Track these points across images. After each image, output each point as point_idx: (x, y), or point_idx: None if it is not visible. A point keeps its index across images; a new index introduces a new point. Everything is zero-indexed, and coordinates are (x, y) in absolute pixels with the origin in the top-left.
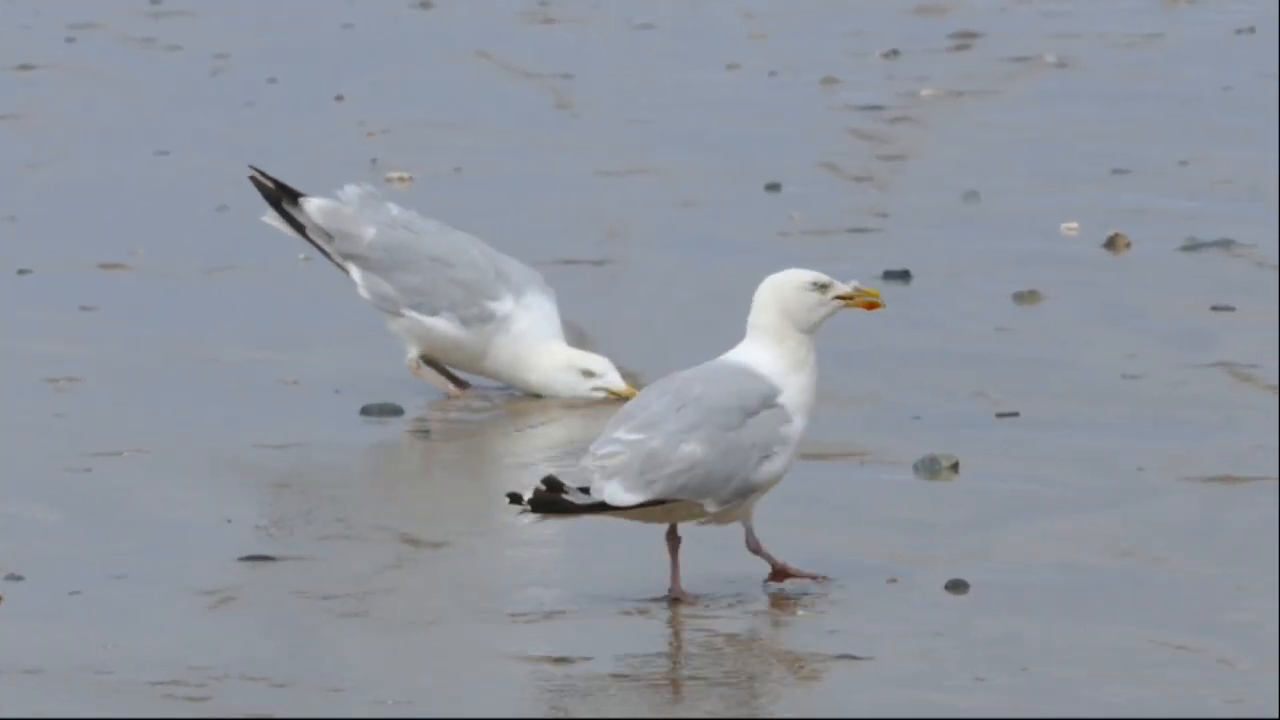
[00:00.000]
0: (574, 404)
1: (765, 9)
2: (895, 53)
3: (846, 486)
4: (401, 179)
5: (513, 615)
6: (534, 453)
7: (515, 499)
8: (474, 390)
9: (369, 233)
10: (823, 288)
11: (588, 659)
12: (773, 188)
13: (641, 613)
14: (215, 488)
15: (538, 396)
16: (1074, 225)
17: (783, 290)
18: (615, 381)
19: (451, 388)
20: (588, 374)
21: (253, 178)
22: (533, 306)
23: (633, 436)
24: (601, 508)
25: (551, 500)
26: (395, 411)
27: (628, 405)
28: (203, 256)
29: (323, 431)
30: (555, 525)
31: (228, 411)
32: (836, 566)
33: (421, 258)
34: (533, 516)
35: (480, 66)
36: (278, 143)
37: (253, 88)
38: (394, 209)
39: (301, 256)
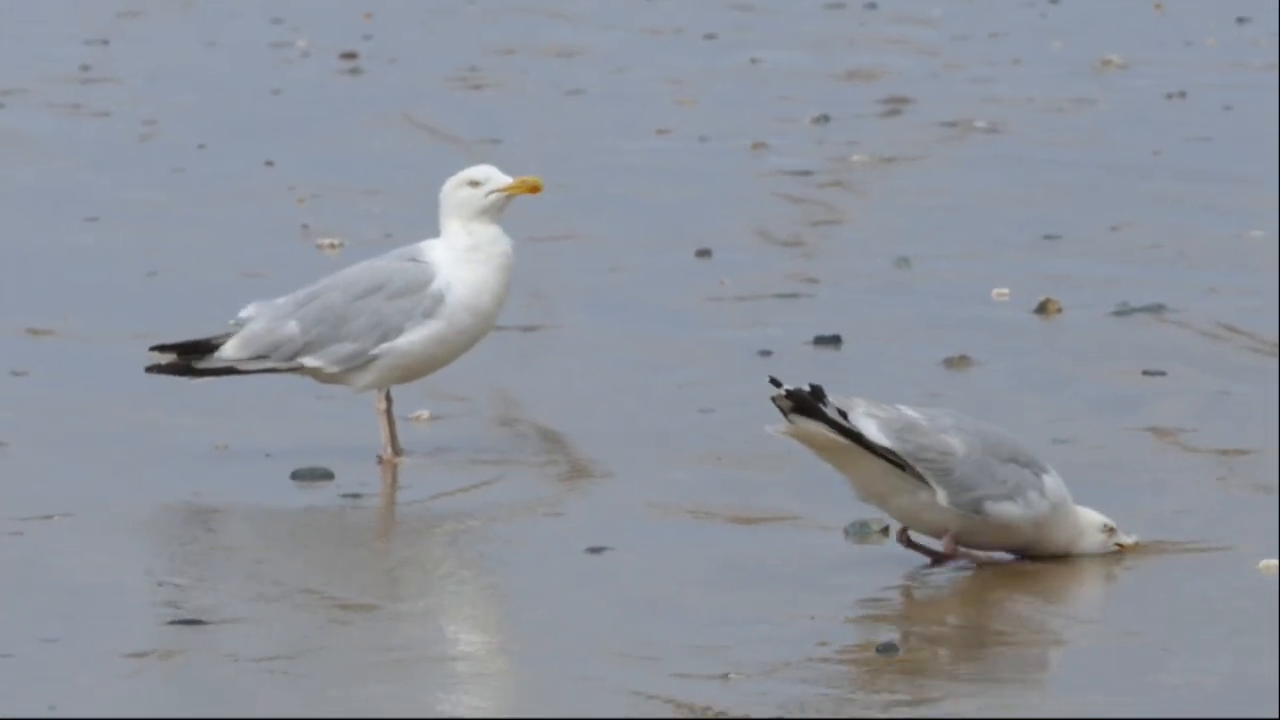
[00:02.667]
0: (509, 468)
1: (694, 75)
2: (825, 118)
3: (777, 550)
4: (332, 245)
5: (443, 677)
6: (466, 517)
7: (777, 383)
8: (405, 455)
9: (292, 328)
10: (1110, 530)
11: None
12: (703, 253)
13: (583, 670)
14: (145, 552)
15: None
16: (1005, 291)
17: (1078, 520)
18: (500, 180)
19: (389, 451)
20: (473, 184)
21: (153, 366)
22: (453, 249)
23: (909, 412)
24: (853, 435)
25: (807, 401)
26: (326, 476)
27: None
28: (132, 322)
29: (253, 496)
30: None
31: (158, 476)
32: (765, 630)
33: (349, 304)
34: (781, 421)
35: (408, 132)
36: (208, 209)
37: (182, 154)
38: (282, 299)
39: (231, 322)
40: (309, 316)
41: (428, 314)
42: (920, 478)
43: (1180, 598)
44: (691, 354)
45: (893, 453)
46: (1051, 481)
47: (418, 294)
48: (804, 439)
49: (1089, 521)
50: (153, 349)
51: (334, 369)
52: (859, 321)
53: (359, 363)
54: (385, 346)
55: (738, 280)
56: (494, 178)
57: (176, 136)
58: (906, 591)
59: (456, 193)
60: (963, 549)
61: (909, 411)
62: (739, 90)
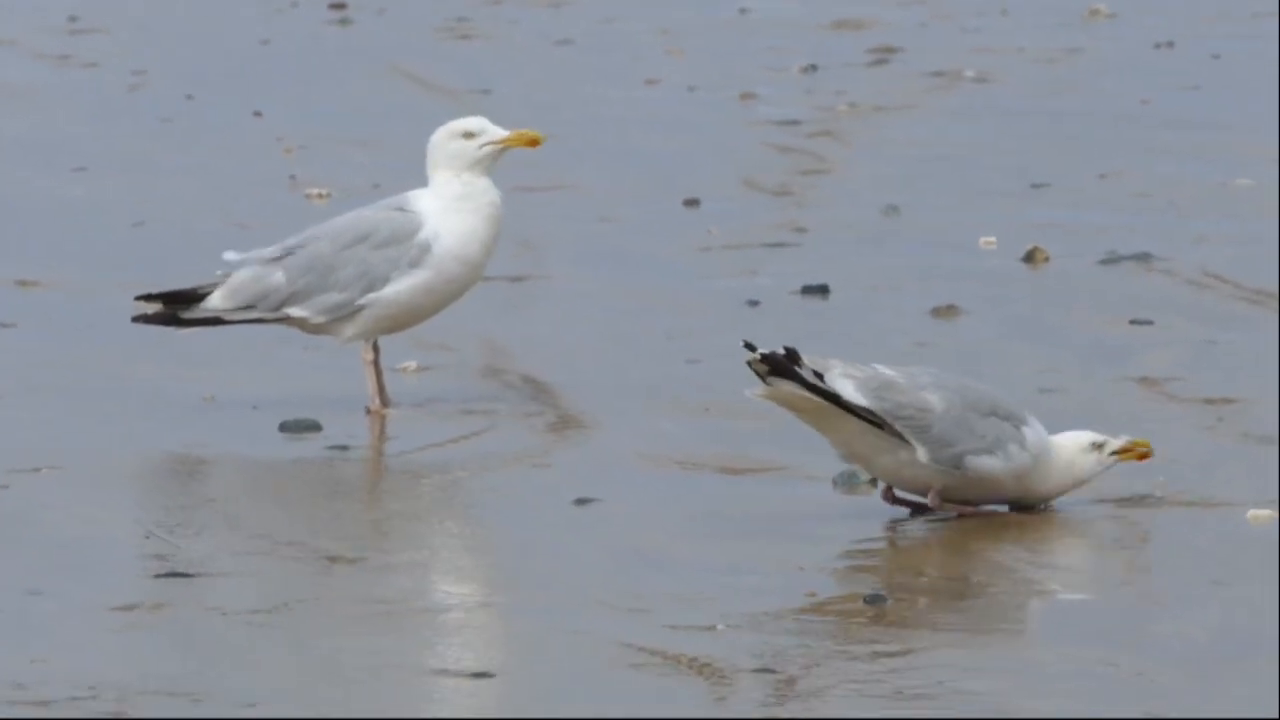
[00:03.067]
0: (497, 419)
1: (683, 25)
2: (813, 68)
3: (766, 500)
4: (320, 195)
5: (430, 630)
6: (454, 468)
7: (751, 347)
8: (392, 406)
9: (279, 277)
10: (1099, 447)
11: (508, 673)
12: (691, 203)
13: (571, 622)
14: (133, 504)
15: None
16: (992, 239)
17: (1061, 449)
18: (496, 132)
19: (376, 403)
20: (468, 135)
21: (139, 316)
22: (440, 198)
23: (886, 371)
24: (830, 396)
25: (783, 364)
26: (314, 427)
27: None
28: (120, 272)
29: (241, 447)
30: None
31: (145, 428)
32: (753, 581)
33: (336, 254)
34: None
35: (397, 82)
36: (196, 160)
37: (170, 104)
38: (270, 248)
39: (219, 273)
40: (296, 266)
41: (414, 263)
42: (900, 436)
43: (1168, 548)
44: (680, 304)
45: (871, 412)
46: (1032, 433)
47: (405, 243)
48: (782, 401)
49: (1074, 449)
50: (138, 298)
51: (320, 319)
52: (847, 271)
53: (345, 313)
54: (372, 296)
55: (726, 230)
56: (489, 130)
57: (165, 87)
58: (894, 543)
59: (449, 144)
60: (949, 503)
61: (886, 370)
62: (727, 40)
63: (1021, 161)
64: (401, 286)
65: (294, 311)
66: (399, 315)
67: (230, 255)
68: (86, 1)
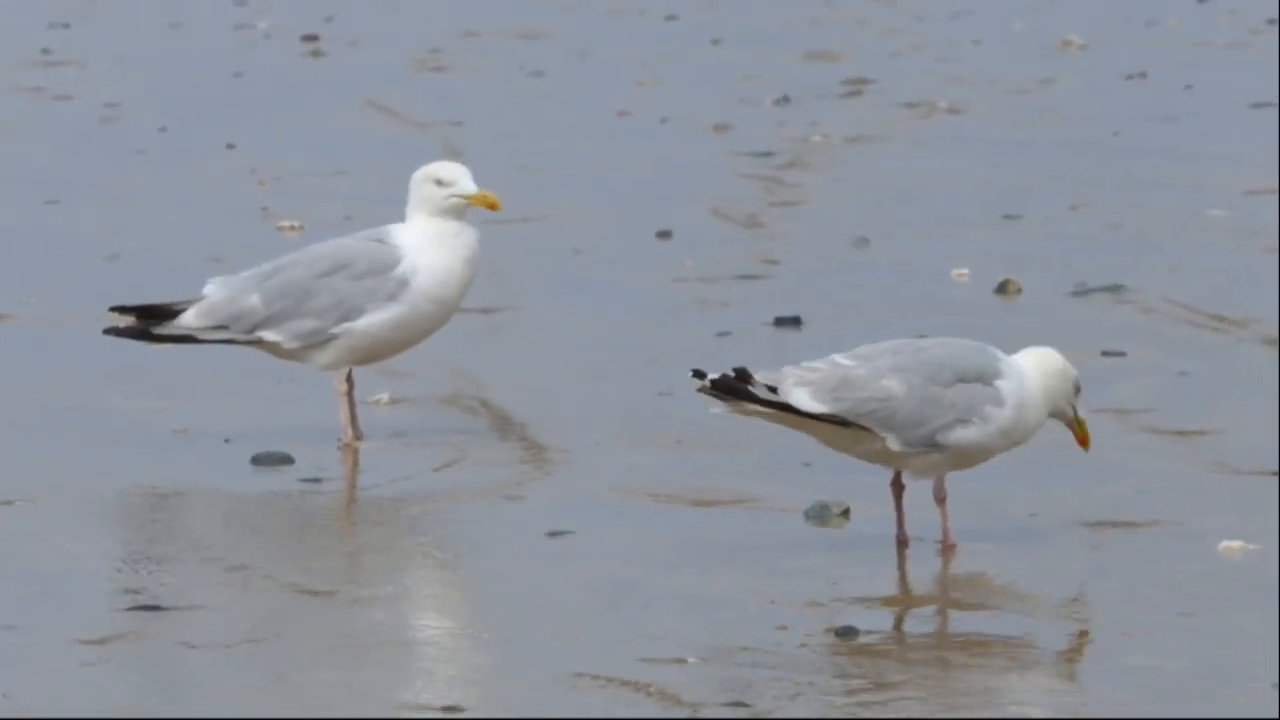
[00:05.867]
0: (470, 452)
1: (656, 56)
2: (787, 99)
3: (737, 532)
4: (292, 227)
5: (402, 663)
6: (426, 501)
7: (699, 374)
8: (364, 439)
9: (255, 300)
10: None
11: (478, 706)
12: (664, 235)
13: (543, 655)
14: (105, 537)
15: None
16: (965, 271)
17: (1047, 380)
18: (466, 186)
19: (349, 435)
20: (439, 183)
21: (111, 328)
22: (424, 233)
23: (845, 361)
24: (783, 408)
25: (734, 386)
26: (286, 460)
27: (862, 347)
28: (93, 305)
29: (213, 480)
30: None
31: (118, 460)
32: (725, 613)
33: (313, 281)
34: (720, 404)
35: (370, 115)
36: (169, 192)
37: (144, 136)
38: (249, 271)
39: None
40: (272, 290)
41: (390, 297)
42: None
43: (1141, 579)
44: (652, 335)
45: (831, 415)
46: (1007, 384)
47: (382, 276)
48: (746, 414)
49: (1048, 370)
50: (113, 309)
51: (293, 345)
52: (819, 302)
53: (318, 340)
54: (345, 326)
55: (698, 261)
56: (460, 182)
57: (138, 119)
58: (866, 575)
59: (422, 187)
60: (943, 510)
61: (844, 361)
62: (700, 71)
63: (994, 193)
64: (376, 319)
65: (267, 335)
66: (371, 347)
67: (209, 288)
68: (60, 34)
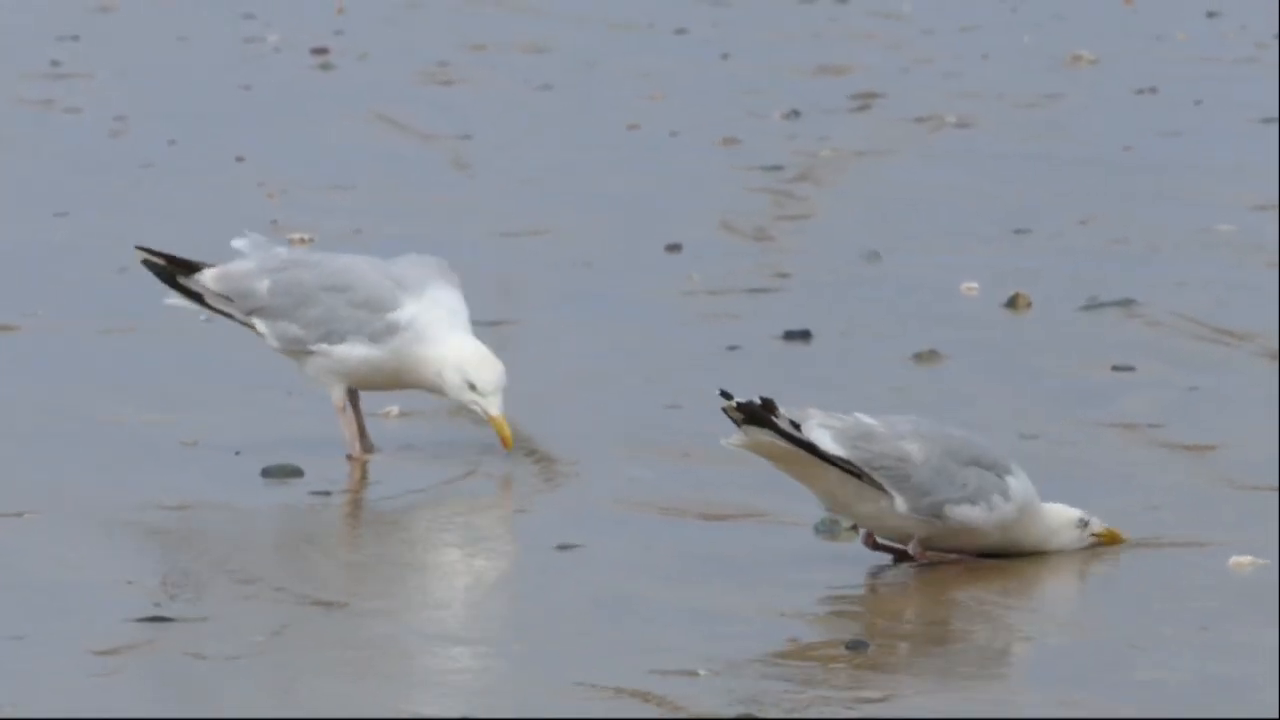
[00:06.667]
0: (478, 465)
1: (664, 69)
2: (796, 113)
3: (746, 546)
4: (302, 240)
5: (411, 675)
6: (435, 514)
7: (727, 395)
8: (375, 453)
9: (264, 285)
10: (1084, 524)
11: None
12: (673, 248)
13: (553, 667)
14: (115, 549)
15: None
16: (974, 285)
17: (1043, 516)
18: (493, 405)
19: (357, 448)
20: (471, 386)
21: (144, 261)
22: (438, 302)
23: (866, 419)
24: (807, 446)
25: (759, 414)
26: (296, 473)
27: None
28: (102, 317)
29: (223, 493)
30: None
31: (128, 473)
32: (735, 626)
33: (317, 290)
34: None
35: (379, 127)
36: (178, 204)
37: (152, 149)
38: (283, 251)
39: (203, 318)
40: (279, 283)
41: (373, 337)
42: (878, 485)
43: (1149, 594)
44: (660, 349)
45: (848, 461)
46: (1016, 483)
47: (375, 313)
48: (758, 450)
49: (1061, 520)
50: (140, 248)
51: (274, 344)
52: (828, 316)
53: (298, 349)
54: (324, 347)
55: (707, 275)
56: (488, 397)
57: (147, 132)
58: (875, 588)
59: (454, 375)
60: (930, 552)
61: (866, 419)
62: (709, 85)
63: (1003, 207)
64: (353, 352)
65: (257, 324)
66: (348, 375)
67: (239, 242)
68: (69, 47)
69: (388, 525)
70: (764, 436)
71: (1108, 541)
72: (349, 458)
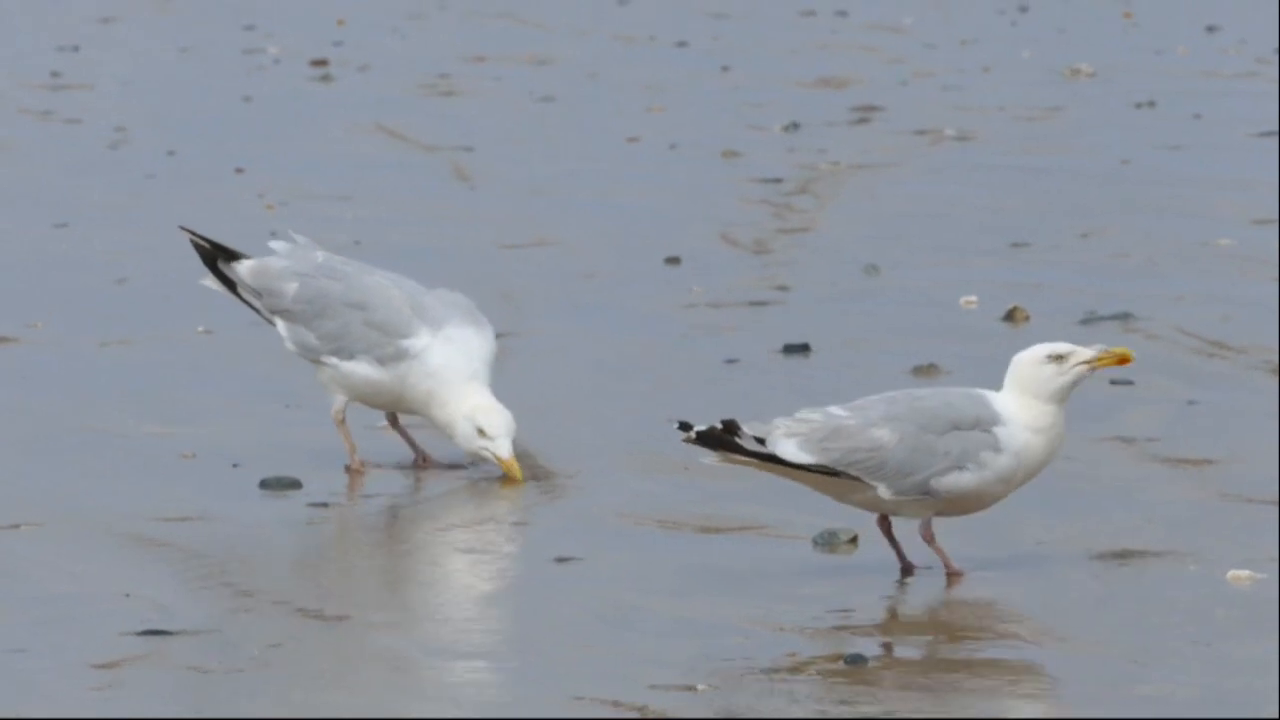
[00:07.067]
0: (478, 477)
1: (665, 81)
2: (796, 125)
3: (746, 559)
4: None
5: (411, 687)
6: (434, 526)
7: (685, 427)
8: (373, 464)
9: (291, 288)
10: (1059, 358)
11: None
12: (673, 261)
13: (553, 680)
14: (114, 561)
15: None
16: (973, 299)
17: (1018, 367)
18: (502, 448)
19: (355, 459)
20: (481, 432)
21: (193, 242)
22: (453, 339)
23: (838, 412)
24: (770, 459)
25: (720, 438)
26: (294, 485)
27: (860, 399)
28: (101, 329)
29: (222, 505)
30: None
31: (126, 485)
32: (734, 640)
33: (338, 304)
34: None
35: (380, 139)
36: (178, 215)
37: (152, 160)
38: (319, 256)
39: (200, 329)
40: (307, 290)
41: (382, 360)
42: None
43: (1150, 608)
44: (660, 361)
45: (819, 465)
46: (1006, 432)
47: (387, 337)
48: (736, 464)
49: (1031, 365)
50: (185, 229)
51: (290, 347)
52: (828, 329)
53: (310, 357)
54: (333, 360)
55: (707, 287)
56: (497, 440)
57: (147, 143)
58: (875, 602)
59: (464, 426)
60: (937, 544)
61: (837, 412)
62: (710, 98)
63: (1002, 220)
64: (359, 369)
65: (279, 325)
66: (352, 391)
67: (278, 245)
68: (69, 58)
69: (386, 537)
70: (735, 457)
71: (1114, 361)
72: (348, 469)
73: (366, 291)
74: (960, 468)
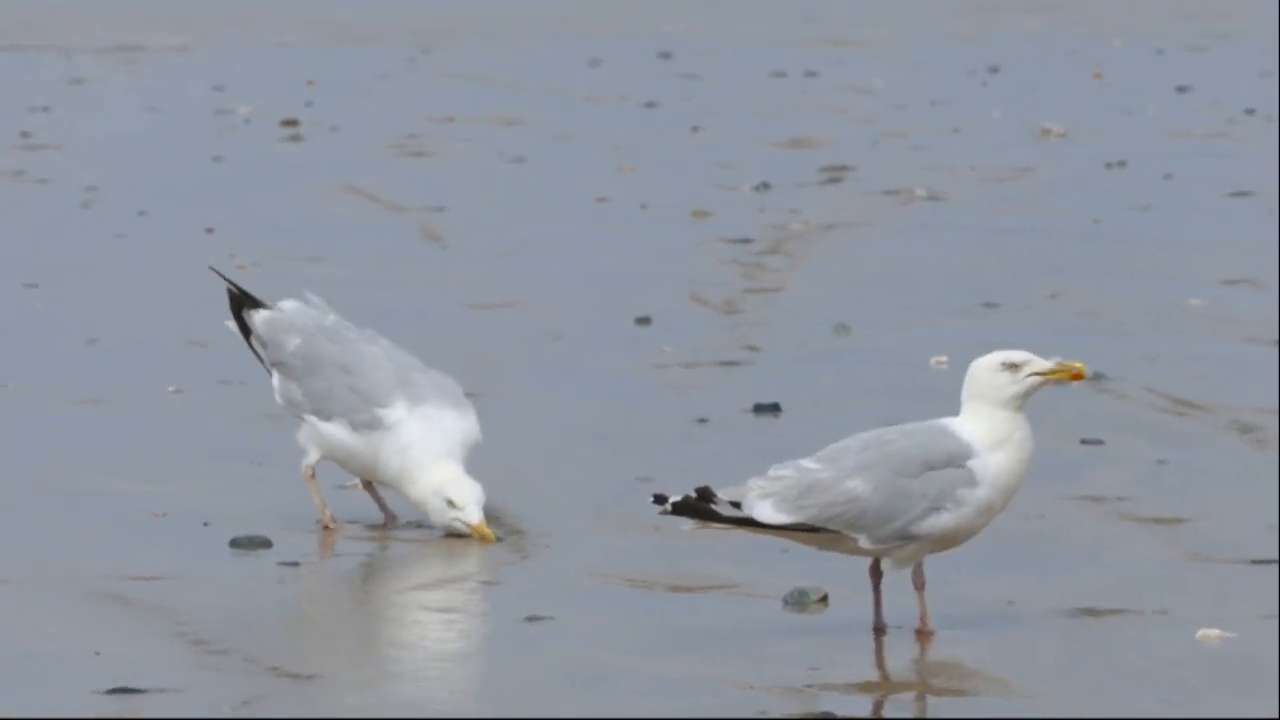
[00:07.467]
0: (449, 536)
1: (635, 142)
2: (766, 185)
3: (716, 618)
4: None
5: None
6: (405, 585)
7: (660, 500)
8: (344, 523)
9: (293, 342)
10: (1014, 367)
11: None
12: (643, 321)
13: None
14: (84, 619)
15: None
16: (944, 359)
17: (974, 373)
18: (472, 515)
19: (327, 515)
20: (450, 504)
21: (229, 291)
22: (430, 418)
23: (810, 465)
24: (748, 523)
25: (696, 507)
26: (265, 544)
27: (830, 446)
28: (72, 388)
29: (192, 563)
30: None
31: (97, 543)
32: (704, 699)
33: (329, 365)
34: (689, 522)
35: (350, 199)
36: (148, 275)
37: (123, 220)
38: (331, 319)
39: (171, 389)
40: (306, 347)
41: (356, 425)
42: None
43: (1119, 667)
44: (630, 421)
45: (798, 524)
46: (980, 463)
47: (366, 403)
48: (716, 530)
49: (987, 375)
50: (213, 269)
51: (279, 400)
52: (798, 389)
53: (294, 413)
54: (311, 419)
55: (677, 347)
56: (469, 509)
57: (118, 203)
58: (844, 661)
59: (435, 500)
60: (921, 597)
61: (809, 464)
62: (679, 157)
63: (973, 280)
64: (335, 433)
65: (274, 377)
66: (326, 451)
67: (287, 303)
68: (39, 118)
69: (357, 597)
70: (713, 525)
71: (1067, 376)
72: (322, 526)
73: (358, 357)
74: (939, 509)
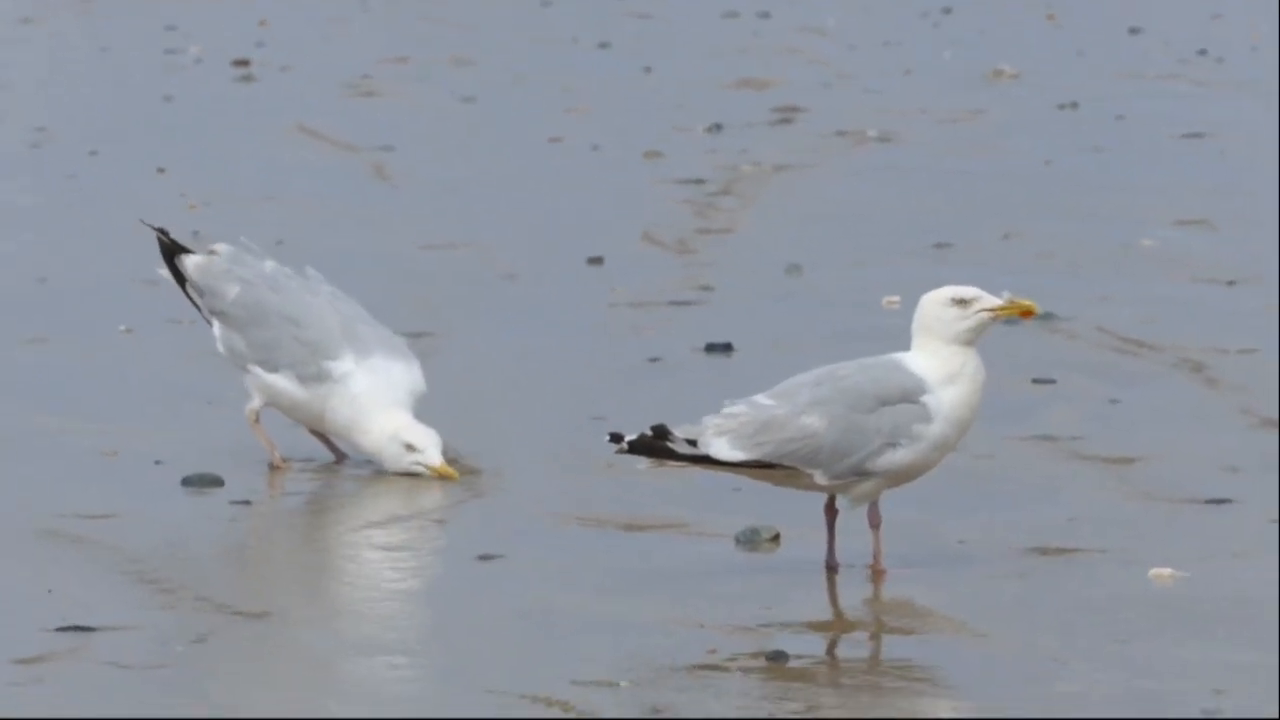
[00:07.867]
0: (398, 476)
1: (587, 83)
2: (718, 126)
3: (668, 557)
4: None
5: (332, 685)
6: (356, 524)
7: (616, 438)
8: (295, 462)
9: (233, 290)
10: (964, 303)
11: None
12: (595, 261)
13: (475, 677)
14: (35, 558)
15: (373, 464)
16: (896, 299)
17: (923, 307)
18: (433, 458)
19: (276, 456)
20: (409, 448)
21: (159, 238)
22: (377, 370)
23: (765, 402)
24: (704, 460)
25: (652, 445)
26: (216, 483)
27: (785, 382)
28: (22, 327)
29: (144, 502)
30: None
31: (48, 482)
32: (656, 638)
33: (274, 315)
34: (646, 461)
35: (301, 139)
36: (100, 215)
37: (74, 160)
38: (269, 265)
39: (122, 328)
40: (245, 296)
41: (303, 378)
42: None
43: (1071, 606)
44: (583, 361)
45: (755, 460)
46: (933, 399)
47: (313, 356)
48: (672, 468)
49: (935, 310)
50: (145, 222)
51: (221, 350)
52: (751, 329)
53: (237, 363)
54: (255, 369)
55: (629, 288)
56: (426, 450)
57: (68, 143)
58: (796, 600)
59: (391, 446)
60: (877, 535)
61: (765, 402)
62: (632, 99)
63: (925, 221)
64: (280, 384)
65: (214, 326)
66: (270, 398)
67: (220, 246)
68: None
69: (308, 535)
70: (670, 462)
71: (1017, 312)
72: (271, 466)
73: (303, 308)
74: (894, 445)
